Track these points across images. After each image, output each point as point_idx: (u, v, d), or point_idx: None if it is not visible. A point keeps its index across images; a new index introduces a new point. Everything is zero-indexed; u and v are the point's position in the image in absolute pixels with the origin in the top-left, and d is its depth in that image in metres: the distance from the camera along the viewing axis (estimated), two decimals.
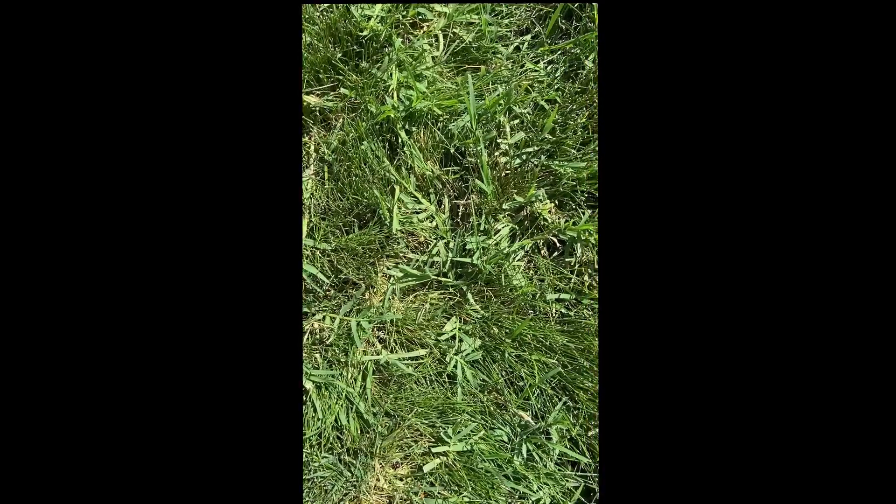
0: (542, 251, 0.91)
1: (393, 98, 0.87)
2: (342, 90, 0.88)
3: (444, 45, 0.91)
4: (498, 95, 0.85)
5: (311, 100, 0.87)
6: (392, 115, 0.84)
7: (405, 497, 0.82)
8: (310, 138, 0.90)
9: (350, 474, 0.81)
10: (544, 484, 0.80)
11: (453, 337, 0.86)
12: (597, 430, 0.80)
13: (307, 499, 0.81)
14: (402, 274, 0.88)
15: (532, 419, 0.83)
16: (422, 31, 0.93)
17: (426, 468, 0.80)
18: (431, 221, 0.90)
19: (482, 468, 0.80)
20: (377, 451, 0.80)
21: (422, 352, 0.86)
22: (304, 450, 0.80)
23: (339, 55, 0.86)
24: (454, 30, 0.92)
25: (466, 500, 0.80)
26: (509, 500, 0.81)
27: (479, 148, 0.83)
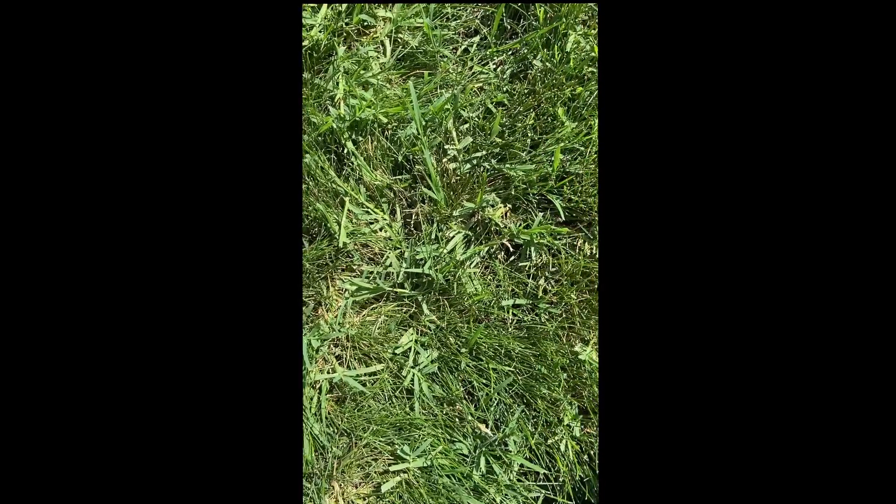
0: (500, 256, 0.89)
1: (339, 108, 0.85)
2: None
3: (391, 50, 0.90)
4: (444, 100, 0.84)
5: None
6: (335, 126, 0.82)
7: None
8: None
9: (306, 498, 0.78)
10: (505, 497, 0.78)
11: (410, 349, 0.84)
12: (556, 438, 0.79)
13: None
14: (355, 287, 0.86)
15: (491, 430, 0.82)
16: (367, 38, 0.91)
17: (384, 488, 0.78)
18: (384, 232, 0.88)
19: (442, 483, 0.78)
20: (335, 473, 0.78)
21: (378, 367, 0.84)
22: None
23: None
24: (400, 35, 0.90)
25: None
26: None
27: (425, 155, 0.81)
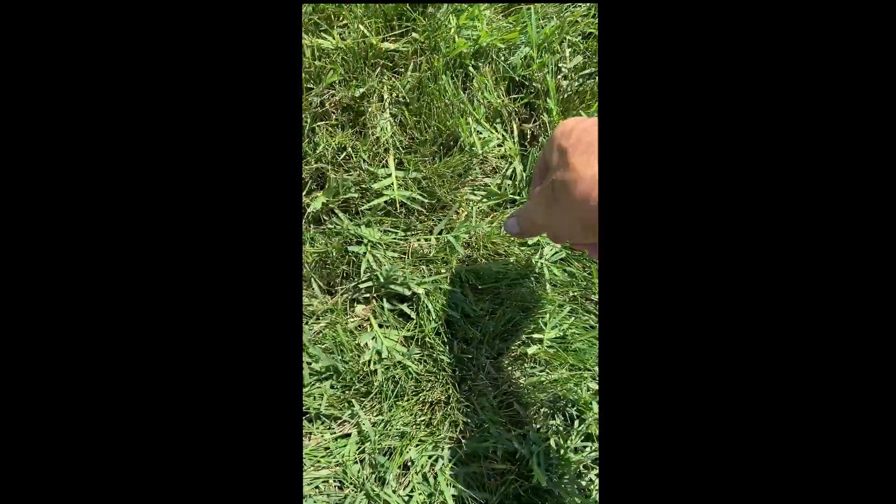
0: None
1: (456, 40, 0.97)
2: (413, 35, 0.98)
3: None
4: (554, 26, 0.96)
5: (386, 45, 0.98)
6: (464, 51, 0.94)
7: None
8: (382, 84, 1.00)
9: (467, 359, 0.92)
10: None
11: (538, 242, 0.97)
12: None
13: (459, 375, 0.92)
14: (479, 197, 0.99)
15: None
16: None
17: (530, 351, 0.92)
18: (501, 148, 1.01)
19: (575, 348, 0.92)
20: (486, 341, 0.92)
21: (511, 259, 0.97)
22: (428, 341, 0.92)
23: (407, 5, 0.96)
24: None
25: (564, 375, 0.92)
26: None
27: (544, 73, 0.94)
